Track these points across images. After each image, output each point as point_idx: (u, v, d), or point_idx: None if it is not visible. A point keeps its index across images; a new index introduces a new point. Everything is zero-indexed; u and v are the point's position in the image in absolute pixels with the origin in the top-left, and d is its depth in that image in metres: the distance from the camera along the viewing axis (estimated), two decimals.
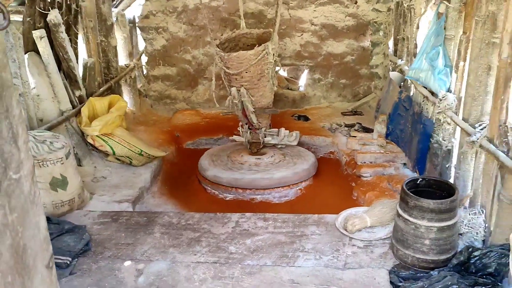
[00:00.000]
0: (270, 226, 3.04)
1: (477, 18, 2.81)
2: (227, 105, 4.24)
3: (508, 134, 2.42)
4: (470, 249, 2.50)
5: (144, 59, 5.71)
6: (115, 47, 4.89)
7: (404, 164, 4.09)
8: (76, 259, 2.71)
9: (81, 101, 4.15)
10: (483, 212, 2.69)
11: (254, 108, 4.13)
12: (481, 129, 2.71)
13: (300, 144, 4.70)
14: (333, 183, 4.32)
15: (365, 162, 4.18)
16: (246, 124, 4.33)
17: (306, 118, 5.56)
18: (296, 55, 5.64)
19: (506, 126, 2.44)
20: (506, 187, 2.36)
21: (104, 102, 4.21)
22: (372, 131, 4.62)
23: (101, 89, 4.53)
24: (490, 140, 2.59)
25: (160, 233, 3.00)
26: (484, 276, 2.38)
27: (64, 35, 3.88)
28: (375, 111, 5.01)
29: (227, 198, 4.12)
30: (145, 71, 5.74)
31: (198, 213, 3.28)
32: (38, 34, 3.69)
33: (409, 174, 3.96)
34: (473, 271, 2.43)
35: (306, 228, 2.99)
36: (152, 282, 2.49)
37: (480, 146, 2.67)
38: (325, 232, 2.94)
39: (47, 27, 3.80)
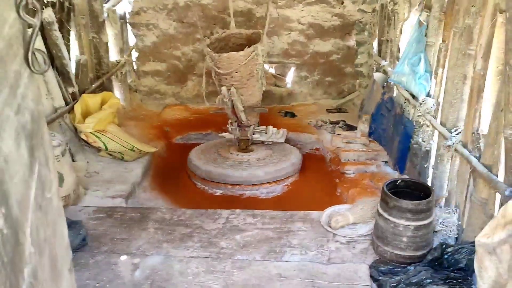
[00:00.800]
0: (258, 222, 3.21)
1: (455, 30, 2.99)
2: (218, 103, 4.37)
3: (480, 140, 2.61)
4: (444, 246, 2.70)
5: (134, 55, 5.78)
6: (107, 43, 4.97)
7: (386, 162, 4.29)
8: (74, 254, 2.84)
9: (74, 97, 4.24)
10: (456, 212, 2.90)
11: (243, 107, 4.28)
12: (457, 134, 2.90)
13: (286, 140, 4.87)
14: (318, 179, 4.51)
15: (348, 160, 4.37)
16: (236, 121, 4.48)
17: (293, 115, 5.72)
18: (283, 53, 5.79)
19: (478, 133, 2.64)
20: (477, 189, 2.56)
21: (97, 99, 4.32)
22: (356, 128, 4.82)
23: (93, 85, 4.62)
24: (464, 145, 2.78)
25: (153, 228, 3.15)
26: (455, 271, 2.59)
27: (57, 33, 3.96)
28: (359, 111, 5.20)
29: (217, 194, 4.28)
30: (135, 67, 5.82)
31: (190, 209, 3.43)
32: None
33: (390, 172, 4.16)
34: (446, 266, 2.64)
35: (292, 225, 3.17)
36: (148, 276, 2.65)
37: (455, 150, 2.88)
38: (310, 228, 3.12)
39: (40, 25, 3.87)
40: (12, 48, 0.85)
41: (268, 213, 3.31)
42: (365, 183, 4.05)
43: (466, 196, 2.77)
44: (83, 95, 4.24)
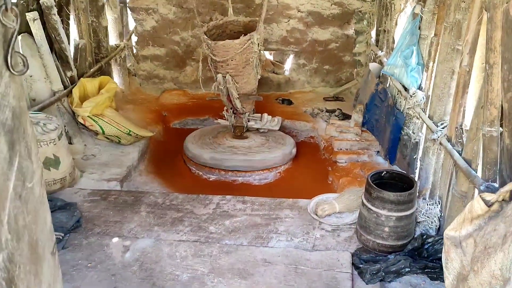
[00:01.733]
0: (248, 208, 3.30)
1: (445, 24, 3.03)
2: (213, 90, 4.43)
3: (463, 135, 2.68)
4: (424, 236, 2.80)
5: (134, 39, 5.83)
6: (106, 27, 5.02)
7: (378, 152, 4.36)
8: (68, 235, 2.95)
9: (72, 81, 4.31)
10: (439, 203, 2.98)
11: (238, 94, 4.34)
12: (442, 128, 2.97)
13: (282, 128, 4.94)
14: (310, 167, 4.59)
15: (341, 149, 4.44)
16: (231, 108, 4.54)
17: (290, 102, 5.78)
18: (282, 40, 5.81)
19: (462, 128, 2.70)
20: (458, 183, 2.64)
21: (95, 83, 4.38)
22: (351, 117, 4.88)
23: (92, 69, 4.68)
24: (449, 139, 2.85)
25: (146, 212, 3.25)
26: (434, 261, 2.69)
27: (56, 17, 4.01)
28: (354, 100, 5.25)
29: (210, 179, 4.37)
30: (134, 51, 5.87)
31: (182, 194, 3.53)
32: (31, 16, 3.81)
33: (381, 162, 4.23)
34: (425, 256, 2.74)
35: (281, 211, 3.26)
36: (138, 258, 2.75)
37: (440, 143, 2.94)
38: (298, 215, 3.21)
39: (40, 9, 3.93)
40: None
41: (257, 200, 3.40)
42: (356, 172, 4.13)
43: (448, 189, 2.85)
44: (81, 79, 4.31)
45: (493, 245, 1.51)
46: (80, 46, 4.46)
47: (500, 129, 2.14)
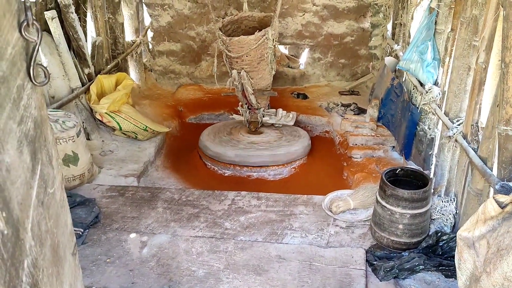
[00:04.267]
0: (263, 204, 3.34)
1: (462, 19, 2.99)
2: (228, 85, 4.46)
3: (478, 133, 2.66)
4: (439, 234, 2.80)
5: (149, 34, 5.87)
6: (122, 23, 5.07)
7: (393, 147, 4.34)
8: (87, 230, 3.03)
9: (90, 78, 4.38)
10: (454, 201, 2.97)
11: (253, 90, 4.36)
12: (458, 125, 2.95)
13: (297, 122, 4.95)
14: (325, 162, 4.60)
15: (356, 144, 4.43)
16: (246, 104, 4.57)
17: (305, 96, 5.77)
18: (297, 34, 5.80)
19: (477, 125, 2.68)
20: (473, 180, 2.63)
21: (112, 79, 4.45)
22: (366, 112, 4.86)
23: (109, 66, 4.75)
24: (464, 136, 2.83)
25: (162, 208, 3.31)
26: (448, 258, 2.69)
27: (74, 15, 4.07)
28: (369, 95, 5.23)
29: (226, 174, 4.41)
30: (150, 47, 5.92)
31: (197, 190, 3.58)
32: (50, 15, 3.88)
33: (396, 157, 4.22)
34: (440, 253, 2.74)
35: (295, 208, 3.29)
36: (155, 254, 2.81)
37: (456, 140, 2.92)
38: (312, 212, 3.24)
39: (57, 8, 3.99)
40: (15, 66, 0.96)
41: (272, 196, 3.44)
42: (371, 168, 4.13)
43: (464, 186, 2.84)
44: (99, 76, 4.38)
45: (506, 247, 1.51)
46: (97, 43, 4.52)
47: None
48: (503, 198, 1.65)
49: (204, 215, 3.22)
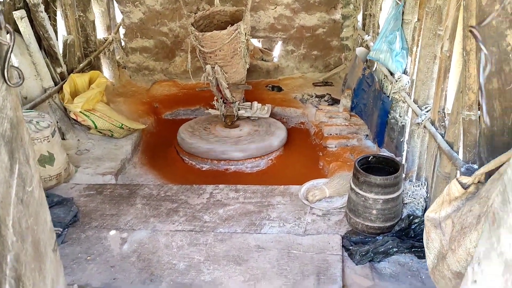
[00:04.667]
0: (240, 196, 3.40)
1: (427, 9, 3.09)
2: (203, 80, 4.49)
3: (445, 119, 2.77)
4: (411, 217, 2.91)
5: (121, 31, 5.84)
6: (93, 21, 5.02)
7: (366, 136, 4.45)
8: (66, 229, 3.03)
9: (63, 77, 4.34)
10: (425, 184, 3.08)
11: (228, 84, 4.40)
12: (426, 112, 3.05)
13: (272, 115, 5.01)
14: (301, 153, 4.68)
15: (331, 134, 4.53)
16: (221, 98, 4.60)
17: (280, 89, 5.84)
18: (270, 27, 5.85)
19: (444, 112, 2.79)
20: (441, 164, 2.74)
21: (85, 78, 4.42)
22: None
23: (81, 64, 4.71)
24: (432, 123, 2.94)
25: (141, 204, 3.33)
26: (420, 240, 2.78)
27: (43, 14, 4.02)
28: (342, 85, 5.33)
29: (204, 169, 4.45)
30: (123, 44, 5.89)
31: (176, 185, 3.61)
32: (19, 15, 3.83)
33: (370, 145, 4.33)
34: (412, 236, 2.85)
35: (272, 198, 3.36)
36: (135, 249, 2.84)
37: (424, 127, 3.03)
38: (289, 202, 3.31)
39: (26, 7, 3.94)
40: None
41: (250, 188, 3.50)
42: (346, 157, 4.22)
43: (433, 171, 2.95)
44: (71, 75, 4.35)
45: (469, 225, 1.60)
46: (68, 41, 4.48)
47: (479, 113, 2.23)
48: (466, 180, 1.75)
49: (183, 209, 3.25)
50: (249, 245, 2.86)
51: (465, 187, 1.74)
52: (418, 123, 3.09)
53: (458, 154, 2.52)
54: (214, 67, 4.25)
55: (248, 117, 4.85)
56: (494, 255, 0.95)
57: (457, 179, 1.76)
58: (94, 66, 4.99)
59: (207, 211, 3.24)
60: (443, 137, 2.75)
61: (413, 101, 3.34)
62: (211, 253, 2.79)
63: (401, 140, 3.71)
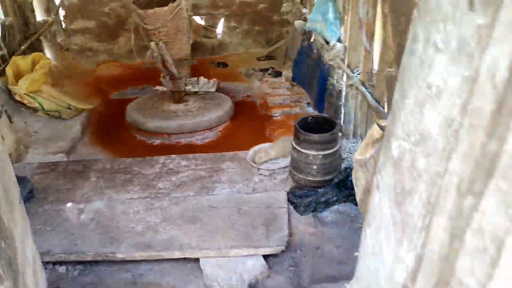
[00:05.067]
0: (192, 164, 3.58)
1: None
2: (148, 58, 4.58)
3: (372, 78, 3.07)
4: (348, 170, 3.20)
5: (61, 13, 5.77)
6: (31, 2, 4.96)
7: (308, 103, 4.73)
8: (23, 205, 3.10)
9: (4, 60, 4.31)
10: (360, 140, 3.39)
11: (173, 60, 4.52)
12: (358, 74, 3.34)
13: (220, 90, 5.19)
14: (249, 124, 4.89)
15: (275, 104, 4.77)
16: (168, 74, 4.72)
17: (225, 65, 6.02)
18: (211, 4, 5.98)
19: (372, 72, 3.08)
20: (372, 120, 3.04)
21: (27, 60, 4.40)
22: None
23: (22, 47, 4.66)
24: (363, 83, 3.23)
25: (96, 177, 3.45)
26: None
27: None
28: (284, 57, 5.57)
29: (155, 143, 4.58)
30: (64, 26, 5.82)
31: (129, 158, 3.74)
32: None
33: (312, 112, 4.61)
34: (349, 186, 3.14)
35: (222, 164, 3.57)
36: (93, 217, 2.97)
37: (356, 88, 3.33)
38: (238, 166, 3.53)
39: None
40: None
41: (200, 156, 3.68)
42: (290, 124, 4.47)
43: (366, 127, 3.26)
44: (13, 57, 4.31)
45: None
46: (6, 23, 4.42)
47: None
48: (383, 122, 2.02)
49: (137, 180, 3.40)
50: (202, 206, 3.06)
51: (383, 129, 2.02)
52: (351, 85, 3.38)
53: (384, 109, 2.82)
54: (158, 44, 4.35)
55: (195, 92, 5.00)
56: (388, 163, 1.20)
57: (376, 122, 2.03)
58: (36, 49, 4.95)
59: (161, 179, 3.40)
60: (372, 95, 3.04)
61: (347, 66, 3.62)
62: (167, 216, 2.97)
63: (339, 103, 4.00)
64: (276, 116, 4.63)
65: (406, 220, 1.05)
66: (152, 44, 4.36)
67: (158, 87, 5.02)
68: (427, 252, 0.94)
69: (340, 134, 3.43)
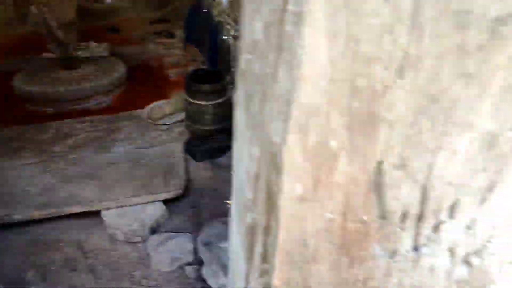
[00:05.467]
0: (87, 126, 3.58)
1: None
2: (31, 25, 4.38)
3: None
4: None
5: None
6: None
7: (203, 62, 4.85)
8: None
9: None
10: None
11: (58, 25, 4.36)
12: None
13: (114, 55, 5.10)
14: (145, 86, 4.90)
15: (170, 64, 4.83)
16: (54, 41, 4.55)
17: (118, 30, 5.89)
18: None
19: None
20: None
21: None
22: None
23: None
24: None
25: None
26: None
27: None
28: (176, 19, 5.60)
29: (48, 112, 4.43)
30: None
31: (19, 126, 3.63)
32: None
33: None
34: None
35: (119, 123, 3.62)
36: None
37: None
38: (134, 124, 3.60)
39: None
40: None
41: (95, 118, 3.70)
42: None
43: None
44: None
45: None
46: None
47: None
48: None
49: (30, 145, 3.34)
50: (100, 164, 3.11)
51: None
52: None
53: None
54: (40, 7, 4.18)
55: (87, 58, 4.88)
56: (240, 79, 1.40)
57: None
58: None
59: (56, 143, 3.37)
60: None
61: (232, 20, 3.78)
62: (65, 176, 2.98)
63: (230, 58, 4.18)
64: (172, 77, 4.71)
65: (251, 121, 1.25)
66: (32, 7, 4.18)
67: (46, 55, 4.82)
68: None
69: (231, 85, 3.61)
